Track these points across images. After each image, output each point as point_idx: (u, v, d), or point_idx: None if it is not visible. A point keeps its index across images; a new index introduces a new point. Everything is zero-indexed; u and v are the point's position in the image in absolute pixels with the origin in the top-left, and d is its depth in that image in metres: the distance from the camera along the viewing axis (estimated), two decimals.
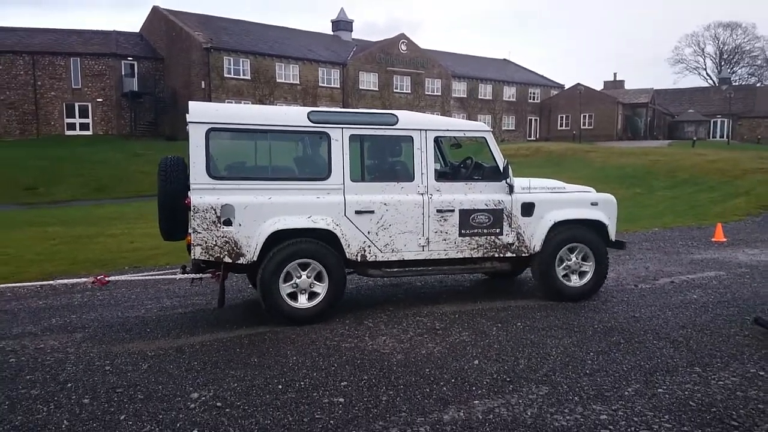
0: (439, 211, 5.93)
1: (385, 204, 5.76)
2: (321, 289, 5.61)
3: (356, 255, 5.71)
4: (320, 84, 41.04)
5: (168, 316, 6.09)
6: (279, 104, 36.34)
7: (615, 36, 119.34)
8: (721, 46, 72.32)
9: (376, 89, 43.73)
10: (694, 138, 46.64)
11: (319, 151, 5.86)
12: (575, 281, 6.41)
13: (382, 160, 6.21)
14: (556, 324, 5.52)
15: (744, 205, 16.75)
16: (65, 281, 6.41)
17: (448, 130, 6.22)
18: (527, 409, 3.65)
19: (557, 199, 6.40)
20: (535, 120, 54.82)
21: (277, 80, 39.03)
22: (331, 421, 3.52)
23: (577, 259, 6.39)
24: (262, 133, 5.67)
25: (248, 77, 37.83)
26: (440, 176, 6.15)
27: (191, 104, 5.53)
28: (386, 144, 6.06)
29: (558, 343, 4.96)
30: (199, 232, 5.28)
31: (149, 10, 41.39)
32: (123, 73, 37.37)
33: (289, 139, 5.98)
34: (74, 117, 36.40)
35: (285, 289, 5.51)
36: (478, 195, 6.10)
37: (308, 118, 5.64)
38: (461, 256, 6.07)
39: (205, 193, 5.31)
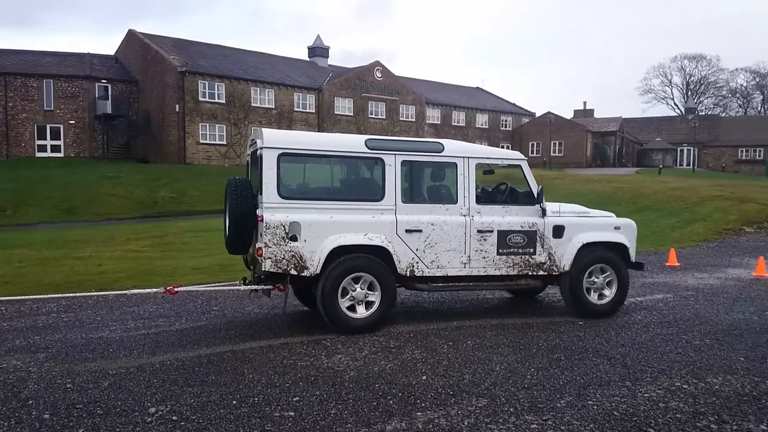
0: (479, 231, 6.45)
1: (432, 224, 6.28)
2: (375, 300, 6.10)
3: (406, 270, 6.22)
4: (296, 108, 41.41)
5: (131, 336, 6.23)
6: (253, 127, 36.48)
7: (585, 66, 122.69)
8: (688, 77, 75.00)
9: (351, 114, 44.26)
10: (661, 166, 48.03)
11: (374, 174, 6.39)
12: (601, 299, 6.94)
13: (430, 184, 6.74)
14: (504, 342, 5.82)
15: (702, 230, 17.38)
16: (138, 291, 7.10)
17: (488, 158, 6.86)
18: (464, 419, 3.92)
19: (584, 223, 6.97)
20: (507, 147, 55.75)
21: (252, 104, 39.23)
22: None
23: (603, 279, 6.91)
24: (325, 158, 6.27)
25: (223, 101, 37.98)
26: (480, 199, 6.62)
27: (265, 132, 6.10)
28: (433, 169, 6.65)
29: (503, 359, 5.25)
30: (270, 247, 5.77)
31: (125, 34, 41.55)
32: (96, 96, 37.25)
33: (348, 163, 6.51)
34: (45, 139, 36.11)
35: (343, 301, 6.02)
36: (514, 217, 6.65)
37: (366, 144, 6.21)
38: (498, 273, 6.59)
39: (275, 211, 5.83)
